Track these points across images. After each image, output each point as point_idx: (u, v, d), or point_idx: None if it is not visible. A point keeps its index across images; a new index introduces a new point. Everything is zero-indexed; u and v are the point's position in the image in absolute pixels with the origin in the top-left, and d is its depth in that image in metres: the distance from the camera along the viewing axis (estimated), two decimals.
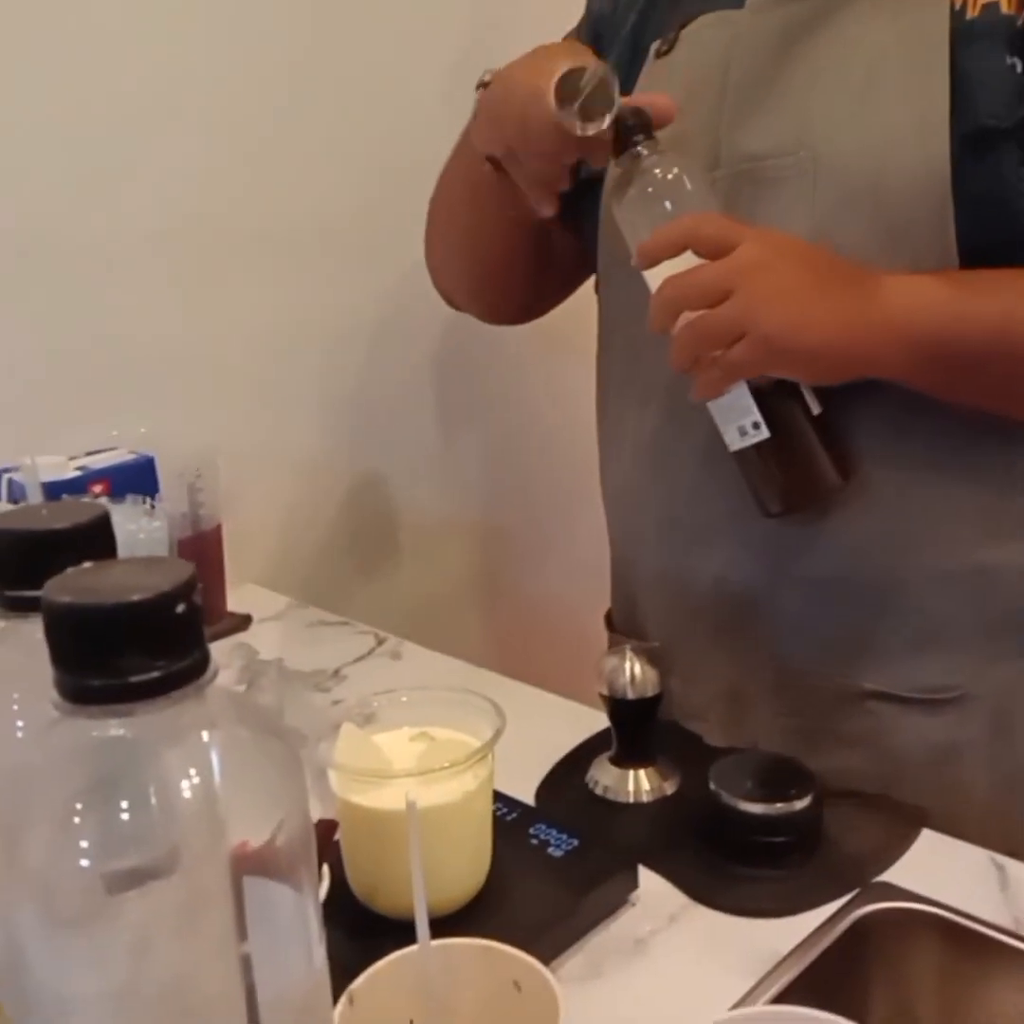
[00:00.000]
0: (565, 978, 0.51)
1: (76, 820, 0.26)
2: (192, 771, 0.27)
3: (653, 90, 0.71)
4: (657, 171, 0.64)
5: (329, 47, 1.04)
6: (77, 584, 0.25)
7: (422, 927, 0.40)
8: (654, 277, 0.63)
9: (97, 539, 0.32)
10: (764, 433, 0.63)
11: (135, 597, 0.24)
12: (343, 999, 0.39)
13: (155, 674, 0.25)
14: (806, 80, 0.65)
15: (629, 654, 0.66)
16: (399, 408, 1.17)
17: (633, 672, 0.65)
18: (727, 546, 0.71)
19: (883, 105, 0.62)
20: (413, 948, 0.41)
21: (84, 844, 0.26)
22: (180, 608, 0.25)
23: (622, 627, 0.84)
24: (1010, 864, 0.58)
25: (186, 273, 0.98)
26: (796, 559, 0.69)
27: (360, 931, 0.51)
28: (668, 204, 0.64)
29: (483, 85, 0.71)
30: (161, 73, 0.93)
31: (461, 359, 1.19)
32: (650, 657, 0.66)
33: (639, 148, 0.64)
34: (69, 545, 0.31)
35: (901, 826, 0.61)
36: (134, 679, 0.24)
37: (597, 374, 0.83)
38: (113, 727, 0.25)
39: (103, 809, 0.27)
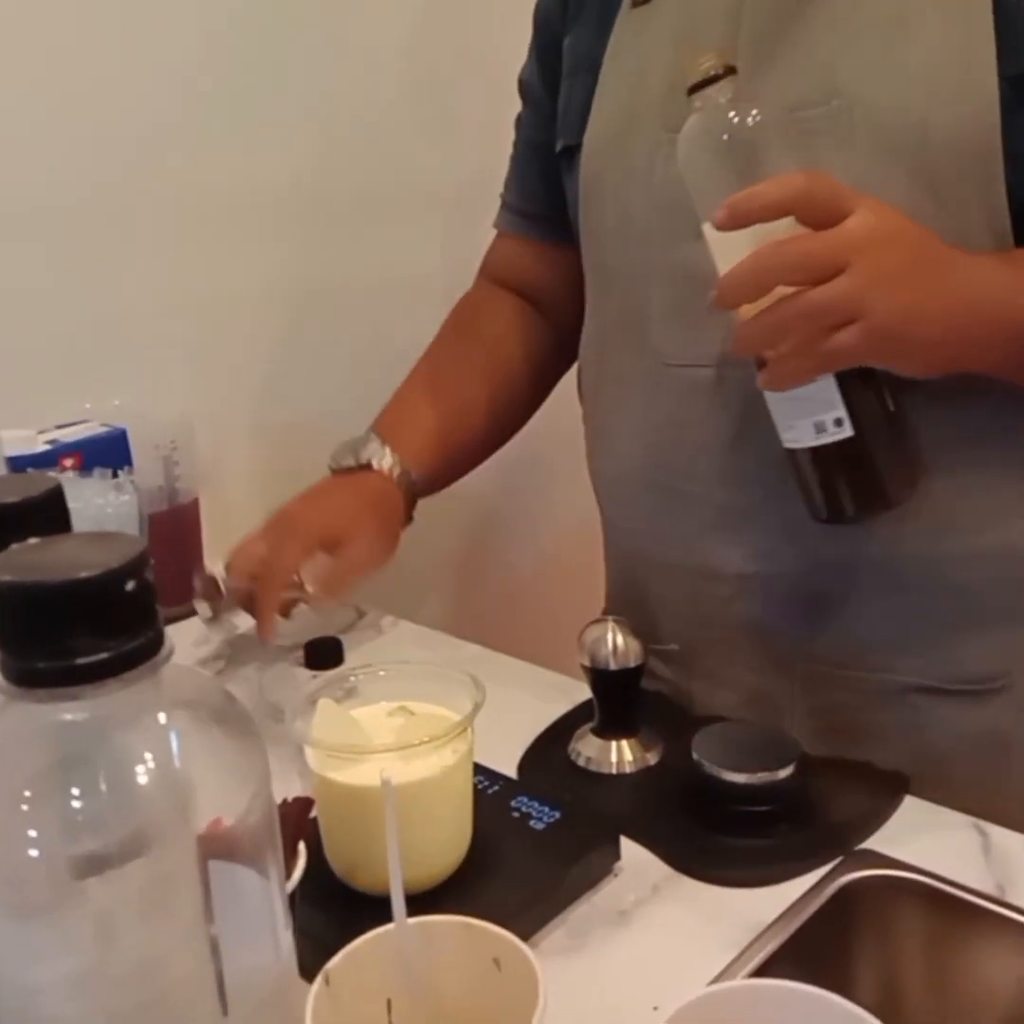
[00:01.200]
0: (548, 951, 0.51)
1: (27, 808, 0.25)
2: (149, 755, 0.26)
3: (630, 44, 0.69)
4: (737, 116, 0.55)
5: (292, 10, 1.01)
6: (21, 561, 0.24)
7: (398, 905, 0.39)
8: (728, 244, 0.54)
9: (49, 514, 0.30)
10: (847, 430, 0.56)
11: (82, 574, 0.23)
12: (319, 979, 0.38)
13: (104, 655, 0.23)
14: (828, 20, 0.59)
15: (611, 625, 0.65)
16: (381, 376, 1.15)
17: (615, 643, 0.64)
18: (754, 535, 0.67)
19: (919, 46, 0.56)
20: (390, 926, 0.40)
21: (37, 832, 0.25)
22: (130, 585, 0.24)
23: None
24: (993, 830, 0.58)
25: (156, 240, 0.96)
26: (830, 546, 0.64)
27: (339, 909, 0.50)
28: (750, 158, 0.54)
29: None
30: (128, 31, 0.91)
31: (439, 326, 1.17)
32: (632, 628, 0.65)
33: (720, 87, 0.55)
34: (18, 521, 0.29)
35: (884, 793, 0.61)
36: (82, 661, 0.23)
37: (583, 351, 0.78)
38: (63, 711, 0.24)
39: (60, 795, 0.26)
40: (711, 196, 0.54)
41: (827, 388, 0.56)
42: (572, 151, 0.73)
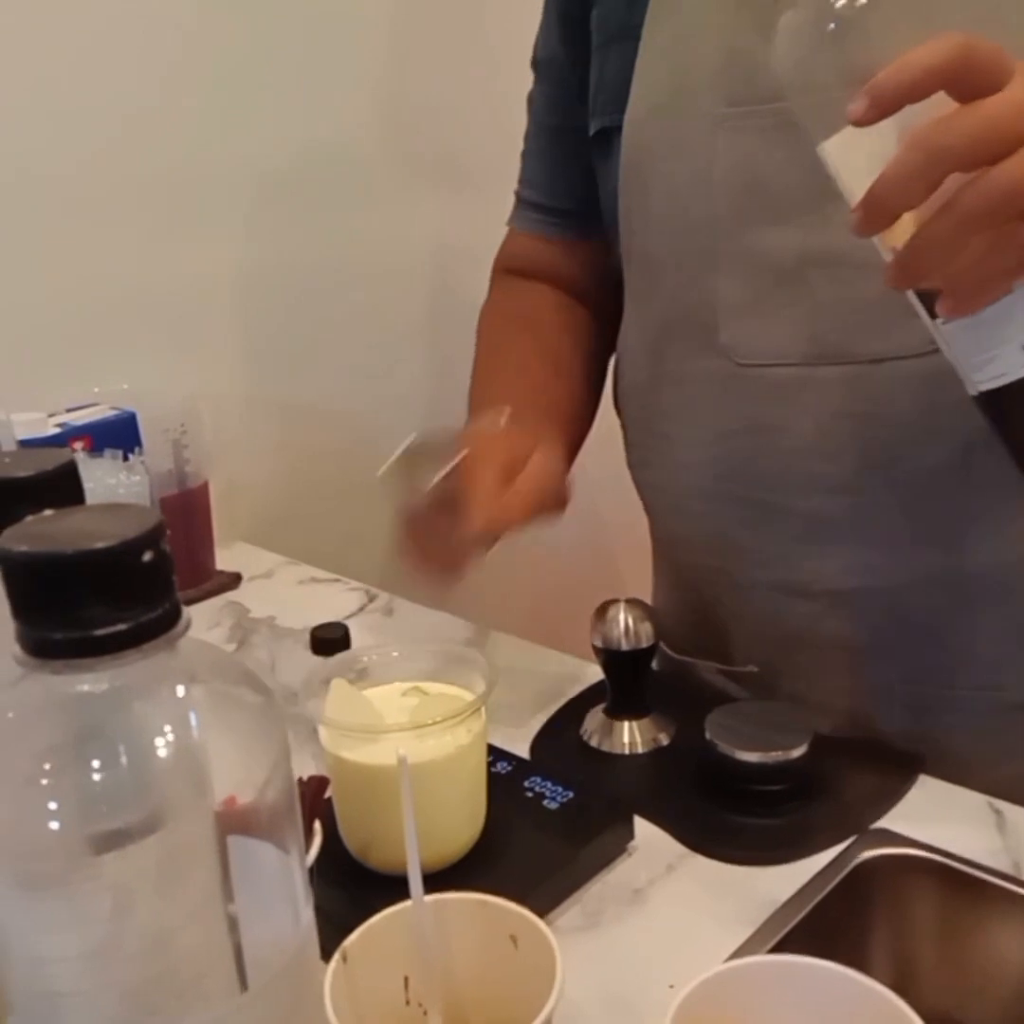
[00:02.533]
0: (562, 929, 0.51)
1: (45, 781, 0.25)
2: (168, 728, 0.25)
3: (673, 4, 0.60)
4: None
5: None
6: (37, 532, 0.24)
7: (416, 882, 0.39)
8: (865, 150, 0.43)
9: (62, 488, 0.30)
10: None
11: (98, 544, 0.23)
12: (336, 956, 0.38)
13: (121, 626, 0.23)
14: None
15: (623, 606, 0.65)
16: (390, 355, 1.15)
17: (627, 624, 0.64)
18: (848, 548, 0.61)
19: None
20: (407, 904, 0.40)
21: (55, 804, 0.25)
22: (147, 556, 0.24)
23: (690, 648, 0.72)
24: (1008, 809, 0.57)
25: (163, 223, 0.96)
26: (933, 555, 0.59)
27: (354, 888, 0.50)
28: (868, 46, 0.43)
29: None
30: (130, 12, 0.90)
31: (453, 304, 1.17)
32: (645, 608, 0.65)
33: None
34: (32, 494, 0.29)
35: (898, 772, 0.61)
36: (99, 632, 0.23)
37: (626, 352, 0.71)
38: (80, 683, 0.24)
39: (77, 768, 0.26)
40: (827, 105, 0.44)
41: None
42: (609, 133, 0.66)
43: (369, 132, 1.08)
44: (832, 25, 0.43)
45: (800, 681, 0.66)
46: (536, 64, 0.75)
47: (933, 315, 0.46)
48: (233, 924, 0.28)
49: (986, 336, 0.46)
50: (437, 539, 0.60)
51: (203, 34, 0.95)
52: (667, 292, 0.65)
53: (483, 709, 0.53)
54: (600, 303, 0.77)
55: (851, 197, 0.46)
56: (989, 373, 0.47)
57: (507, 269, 0.83)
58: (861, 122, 0.41)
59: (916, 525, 0.59)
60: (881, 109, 0.41)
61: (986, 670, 0.62)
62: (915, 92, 0.41)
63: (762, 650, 0.68)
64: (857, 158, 0.44)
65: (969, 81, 0.40)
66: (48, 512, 0.25)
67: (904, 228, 0.43)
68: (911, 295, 0.48)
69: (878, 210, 0.42)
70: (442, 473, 0.53)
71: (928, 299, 0.46)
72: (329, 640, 0.78)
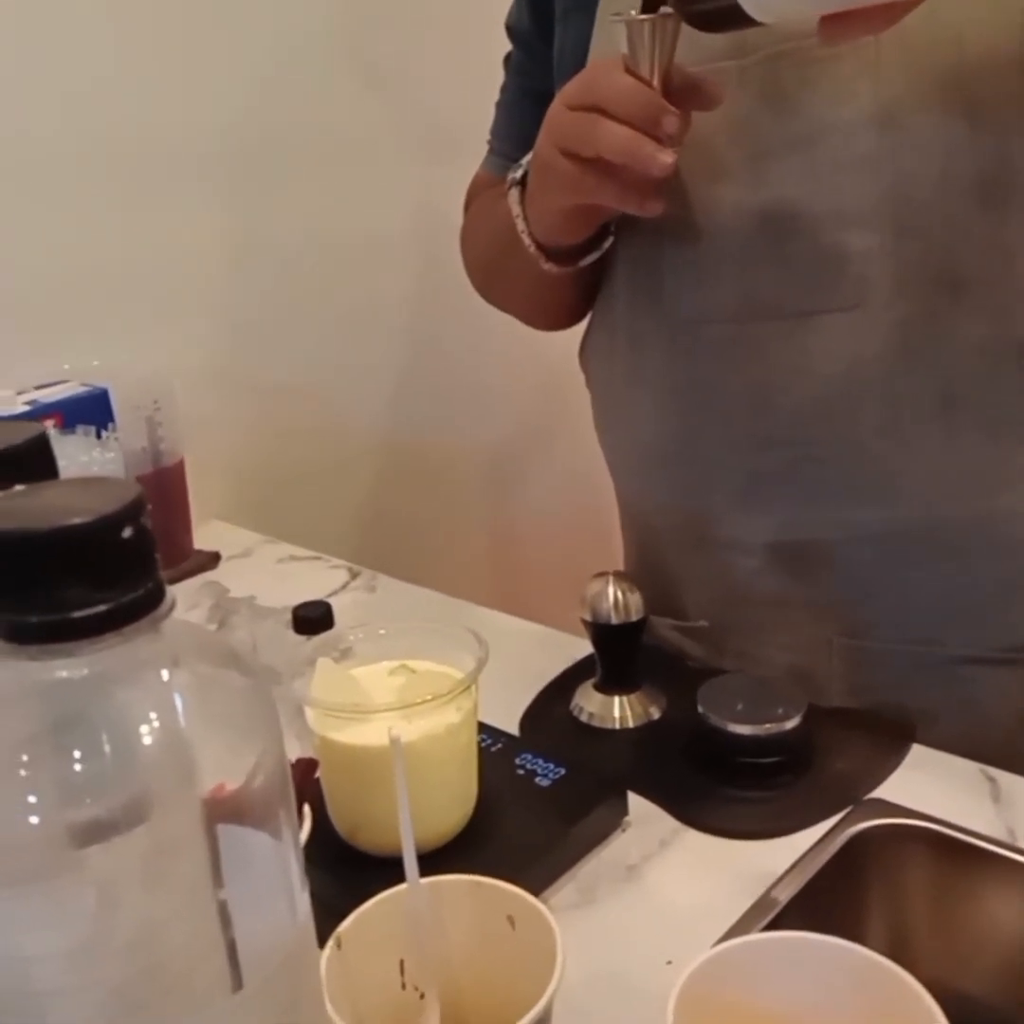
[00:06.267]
0: (557, 907, 0.50)
1: (22, 772, 0.23)
2: (153, 714, 0.24)
3: None
4: None
5: None
6: (8, 508, 0.22)
7: (411, 865, 0.38)
8: None
9: (34, 462, 0.28)
10: None
11: (74, 521, 0.21)
12: (330, 943, 0.37)
13: (101, 608, 0.22)
14: None
15: (612, 579, 0.64)
16: (362, 330, 1.13)
17: (616, 597, 0.63)
18: (784, 503, 0.62)
19: None
20: (401, 887, 0.39)
21: (33, 797, 0.23)
22: (127, 532, 0.22)
23: (649, 606, 0.74)
24: (1002, 776, 0.57)
25: (130, 197, 0.93)
26: (872, 508, 0.60)
27: (344, 870, 0.49)
28: None
29: (517, 183, 0.62)
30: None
31: (427, 277, 1.15)
32: (633, 582, 0.64)
33: None
34: (1, 469, 0.27)
35: (891, 742, 0.60)
36: (78, 614, 0.22)
37: (592, 315, 0.72)
38: (59, 668, 0.23)
39: (56, 758, 0.25)
40: None
41: None
42: None
43: (349, 100, 1.05)
44: None
45: (745, 637, 0.68)
46: (507, 28, 0.77)
47: None
48: (225, 918, 0.27)
49: None
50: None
51: (174, 7, 0.92)
52: (625, 254, 0.66)
53: (474, 687, 0.52)
54: None
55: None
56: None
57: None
58: None
59: (850, 481, 0.60)
60: None
61: (924, 625, 0.63)
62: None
63: (711, 606, 0.70)
64: None
65: None
66: (19, 488, 0.24)
67: None
68: None
69: None
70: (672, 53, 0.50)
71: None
72: (311, 619, 0.77)
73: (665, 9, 0.51)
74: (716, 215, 0.60)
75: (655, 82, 0.52)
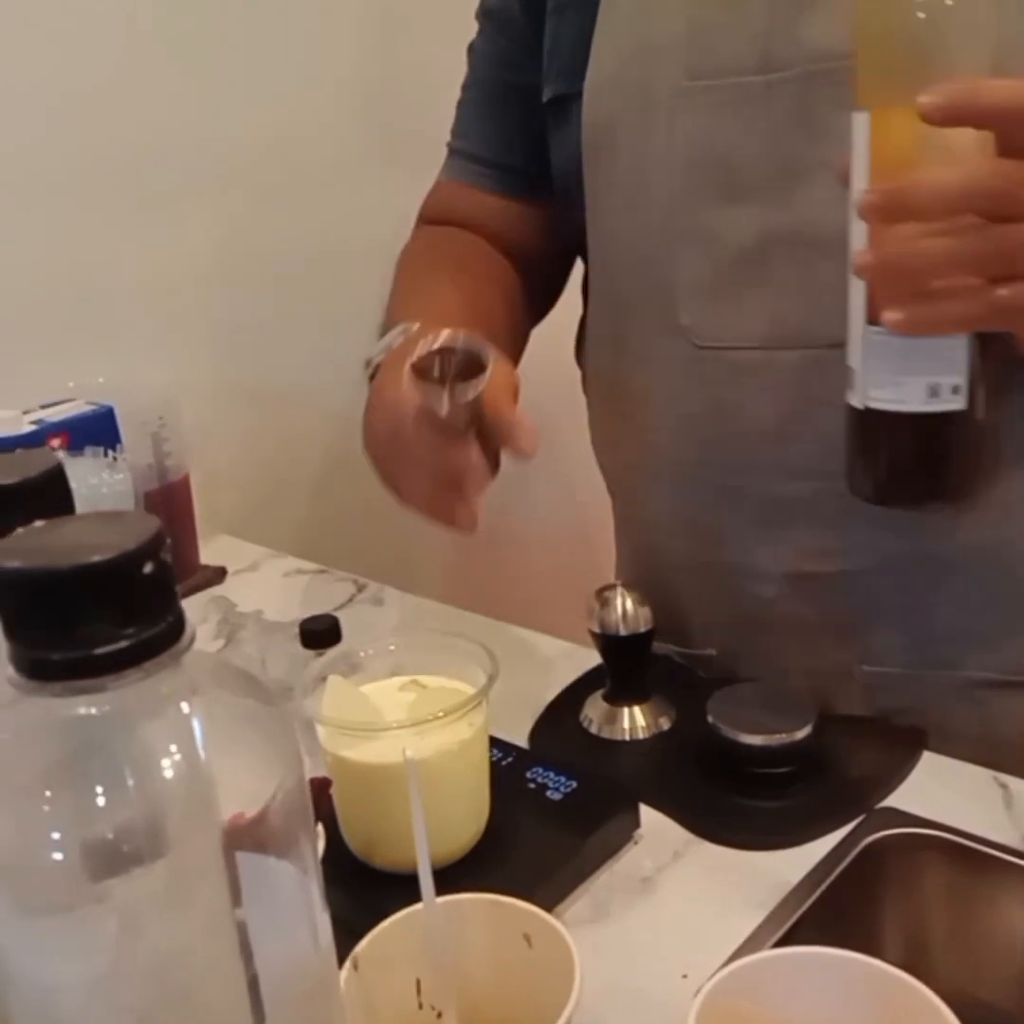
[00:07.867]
0: (572, 921, 0.50)
1: (46, 807, 0.24)
2: (173, 747, 0.24)
3: None
4: None
5: None
6: (28, 546, 0.22)
7: (426, 884, 0.38)
8: (894, 142, 0.45)
9: (50, 494, 0.28)
10: (960, 402, 0.48)
11: (95, 558, 0.22)
12: (347, 963, 0.38)
13: (124, 644, 0.22)
14: None
15: (620, 590, 0.64)
16: (362, 338, 1.12)
17: (625, 608, 0.63)
18: (804, 531, 0.61)
19: None
20: (417, 906, 0.39)
21: (57, 833, 0.24)
22: (148, 568, 0.22)
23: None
24: (1013, 782, 0.57)
25: (128, 213, 0.93)
26: (888, 540, 0.59)
27: (358, 888, 0.49)
28: (948, 42, 0.44)
29: (372, 368, 0.60)
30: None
31: None
32: (642, 593, 0.64)
33: None
34: (18, 503, 0.28)
35: (902, 750, 0.60)
36: (100, 651, 0.22)
37: (592, 330, 0.70)
38: (81, 704, 0.23)
39: (78, 792, 0.25)
40: (891, 77, 0.45)
41: (958, 348, 0.47)
42: (564, 101, 0.64)
43: (340, 115, 1.06)
44: (921, 14, 0.44)
45: (758, 664, 0.66)
46: (486, 14, 0.72)
47: (871, 318, 0.48)
48: (246, 947, 0.27)
49: (905, 361, 0.48)
50: (450, 463, 0.56)
51: (169, 15, 0.92)
52: (629, 271, 0.64)
53: (485, 701, 0.52)
54: (537, 269, 0.74)
55: (864, 173, 0.46)
56: (888, 394, 0.48)
57: (432, 220, 0.77)
58: (929, 118, 0.41)
59: (872, 509, 0.58)
60: (951, 117, 0.42)
61: (943, 650, 0.62)
62: (985, 120, 0.42)
63: (721, 633, 0.68)
64: (891, 140, 0.45)
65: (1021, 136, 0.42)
66: (39, 523, 0.24)
67: (901, 228, 0.44)
68: (856, 288, 0.48)
69: (899, 207, 0.43)
70: (477, 389, 0.48)
71: (874, 301, 0.47)
72: (319, 632, 0.77)
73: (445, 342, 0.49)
74: (738, 237, 0.58)
75: None
